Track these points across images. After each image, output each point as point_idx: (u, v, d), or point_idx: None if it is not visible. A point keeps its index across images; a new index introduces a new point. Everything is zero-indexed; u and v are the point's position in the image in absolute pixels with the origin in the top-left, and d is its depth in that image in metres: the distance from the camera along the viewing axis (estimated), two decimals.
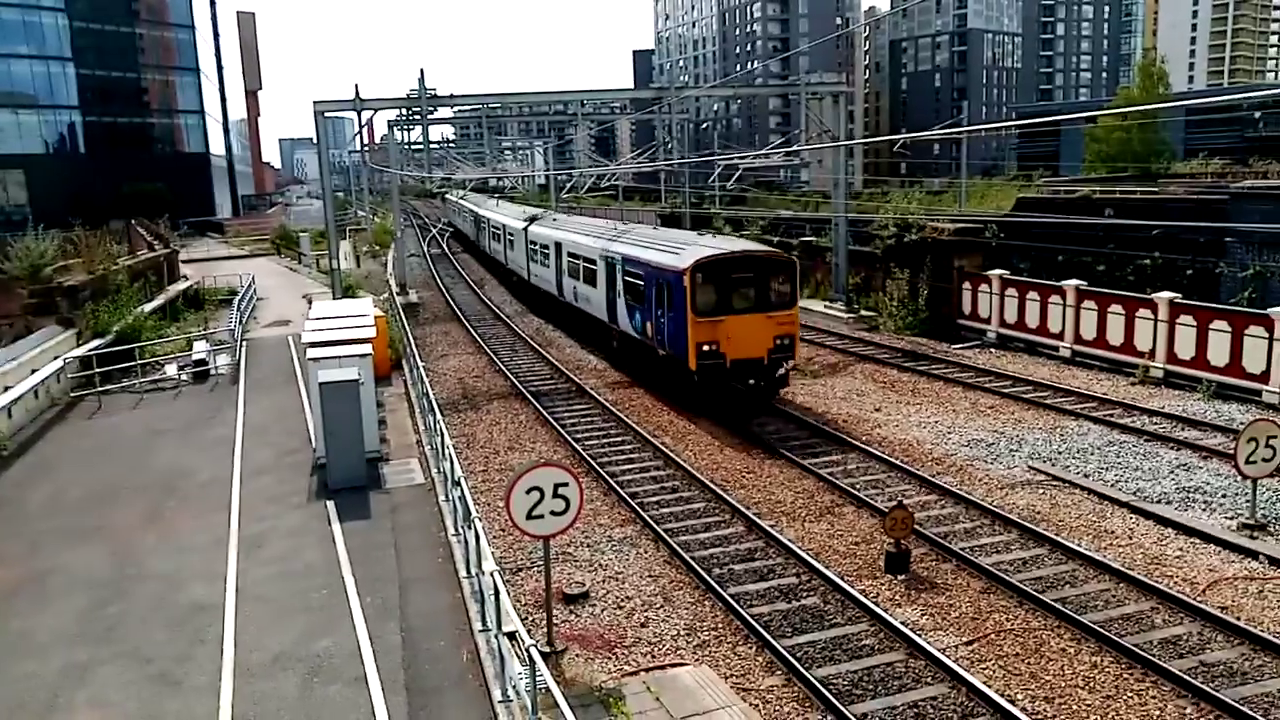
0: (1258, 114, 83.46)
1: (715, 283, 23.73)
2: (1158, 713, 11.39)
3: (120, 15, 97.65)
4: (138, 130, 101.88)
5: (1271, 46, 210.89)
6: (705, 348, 23.29)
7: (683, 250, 24.94)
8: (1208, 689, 11.56)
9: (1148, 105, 51.00)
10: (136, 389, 28.86)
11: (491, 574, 11.87)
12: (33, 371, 26.71)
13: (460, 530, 15.30)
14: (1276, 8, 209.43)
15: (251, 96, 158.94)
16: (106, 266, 37.37)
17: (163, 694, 11.67)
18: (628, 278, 27.55)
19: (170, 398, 28.01)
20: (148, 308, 37.03)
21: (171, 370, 30.63)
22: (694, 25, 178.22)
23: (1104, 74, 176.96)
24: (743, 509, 18.07)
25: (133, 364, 30.28)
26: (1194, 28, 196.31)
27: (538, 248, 39.93)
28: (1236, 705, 11.18)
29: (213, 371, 30.46)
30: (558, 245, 35.81)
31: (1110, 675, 12.20)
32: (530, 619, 13.90)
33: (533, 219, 43.69)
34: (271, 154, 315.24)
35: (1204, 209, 30.57)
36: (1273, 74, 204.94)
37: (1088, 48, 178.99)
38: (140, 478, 20.32)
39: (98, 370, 28.71)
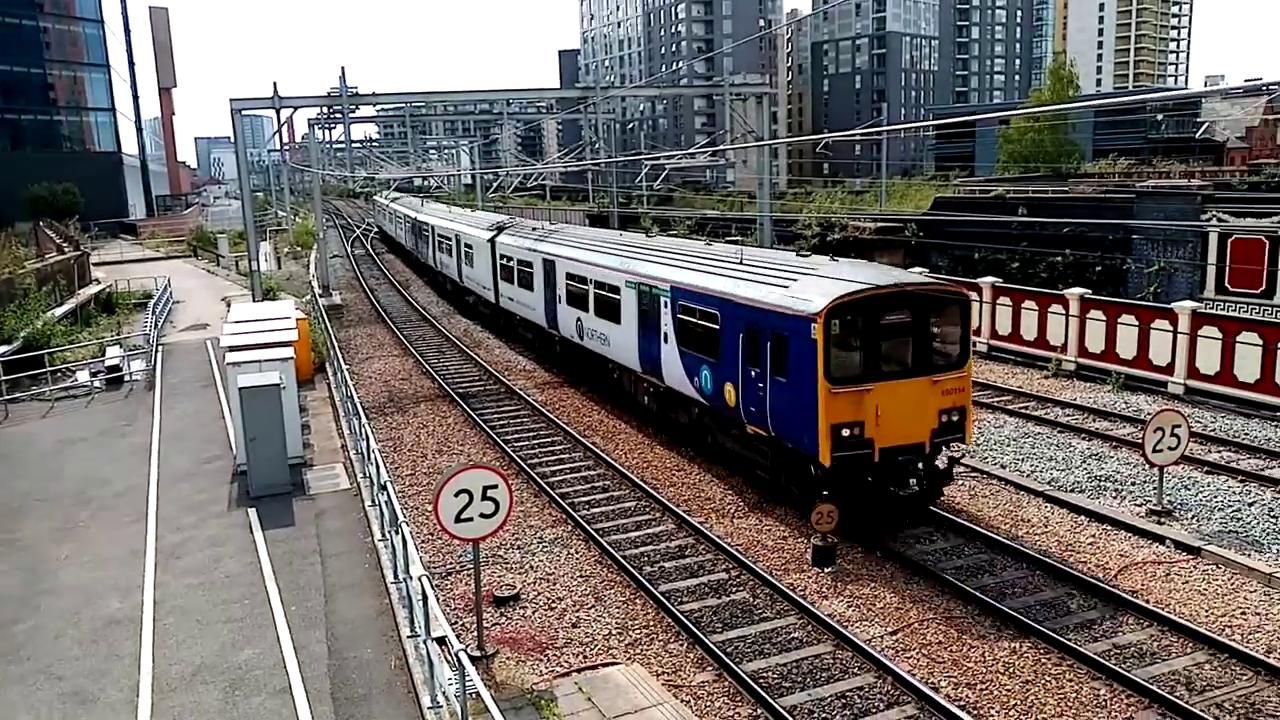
0: (1160, 116, 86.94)
1: (860, 333, 16.18)
2: (1074, 695, 11.79)
3: (23, 8, 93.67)
4: (44, 128, 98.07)
5: (1172, 52, 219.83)
6: (845, 432, 15.59)
7: (798, 281, 16.88)
8: (1120, 670, 12.01)
9: (1058, 106, 52.73)
10: (46, 397, 27.78)
11: (420, 579, 11.75)
12: None
13: (387, 535, 15.10)
14: (1175, 15, 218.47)
15: (165, 94, 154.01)
16: (12, 270, 35.98)
17: (77, 713, 11.29)
18: (685, 316, 19.91)
19: (83, 405, 27.04)
20: (57, 312, 35.74)
21: (84, 377, 29.57)
22: (619, 25, 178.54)
23: (1017, 77, 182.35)
24: (673, 506, 18.17)
25: (42, 371, 29.14)
26: (1100, 33, 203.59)
27: (514, 265, 32.23)
28: (1147, 685, 11.64)
29: (127, 378, 29.50)
30: (549, 264, 28.39)
31: (1029, 660, 12.59)
32: (460, 623, 13.78)
33: (500, 228, 35.83)
34: (187, 153, 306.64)
35: (1111, 208, 31.76)
36: (1174, 78, 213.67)
37: (1001, 51, 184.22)
38: (51, 488, 19.59)
39: (4, 378, 27.55)
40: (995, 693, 11.94)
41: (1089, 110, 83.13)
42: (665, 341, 20.83)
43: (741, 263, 19.33)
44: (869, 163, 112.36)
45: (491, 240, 34.93)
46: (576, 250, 26.85)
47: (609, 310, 23.76)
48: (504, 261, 33.42)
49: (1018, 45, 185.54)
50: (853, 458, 15.76)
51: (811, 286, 16.43)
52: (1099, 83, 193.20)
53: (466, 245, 39.57)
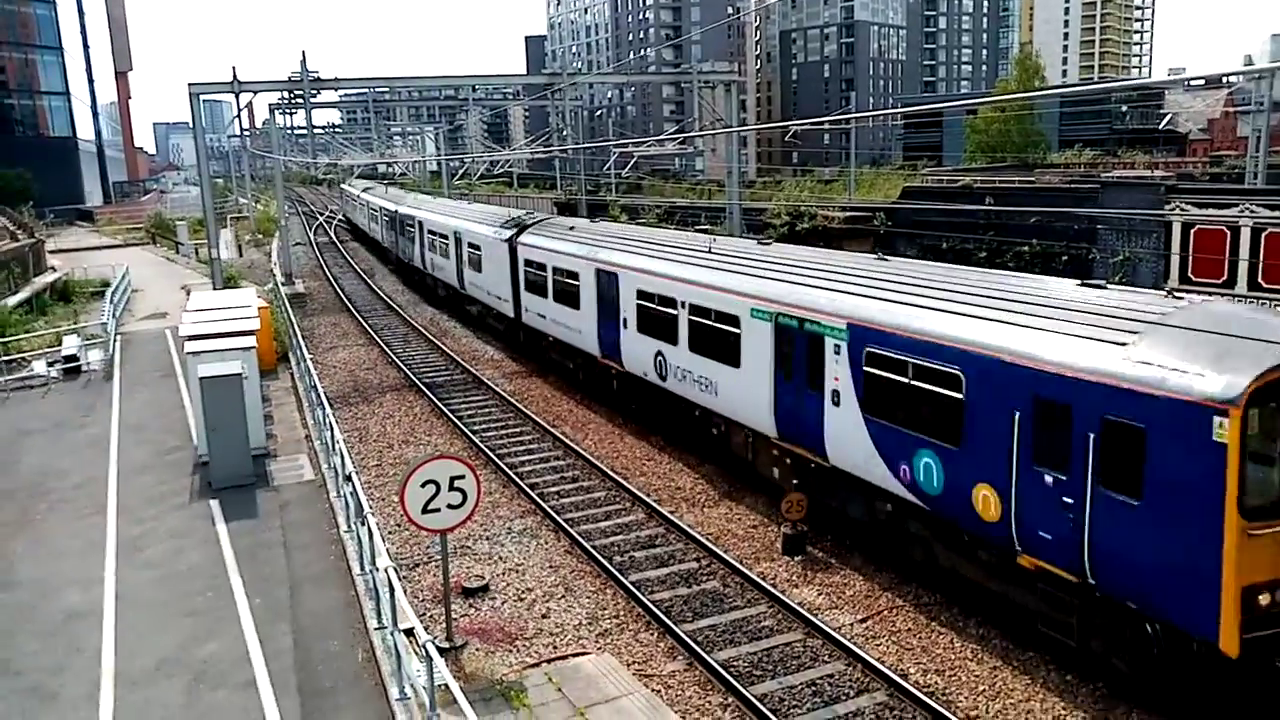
0: (1124, 108, 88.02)
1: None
2: (1042, 679, 11.89)
3: None
4: None
5: (1136, 44, 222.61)
6: (1264, 598, 9.74)
7: (1150, 334, 10.69)
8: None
9: (1024, 95, 53.23)
10: (1, 387, 27.15)
11: (386, 570, 11.59)
12: None
13: (353, 526, 14.91)
14: (1139, 8, 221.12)
15: (122, 78, 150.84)
16: None
17: (36, 708, 11.05)
18: (882, 372, 13.81)
19: (39, 396, 26.45)
20: (11, 301, 34.98)
21: (40, 367, 28.92)
22: (586, 11, 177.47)
23: (984, 67, 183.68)
24: (643, 496, 18.11)
25: None
26: (1066, 24, 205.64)
27: (547, 275, 26.09)
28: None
29: (85, 368, 28.88)
30: (607, 277, 22.36)
31: (997, 647, 12.67)
32: (429, 614, 13.64)
33: (521, 225, 29.69)
34: (145, 138, 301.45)
35: (1077, 198, 32.07)
36: (1138, 70, 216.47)
37: (968, 41, 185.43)
38: (6, 481, 19.14)
39: None
40: (964, 679, 12.01)
41: (1054, 100, 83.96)
42: (836, 404, 14.66)
43: (992, 294, 12.99)
44: (838, 152, 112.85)
45: (510, 241, 28.79)
46: (651, 260, 20.86)
47: (718, 347, 17.78)
48: (531, 269, 27.21)
49: (984, 36, 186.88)
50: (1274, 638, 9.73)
51: (1193, 347, 10.06)
52: (1064, 74, 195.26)
53: (472, 246, 33.16)
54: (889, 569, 14.87)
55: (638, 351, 21.23)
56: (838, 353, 14.57)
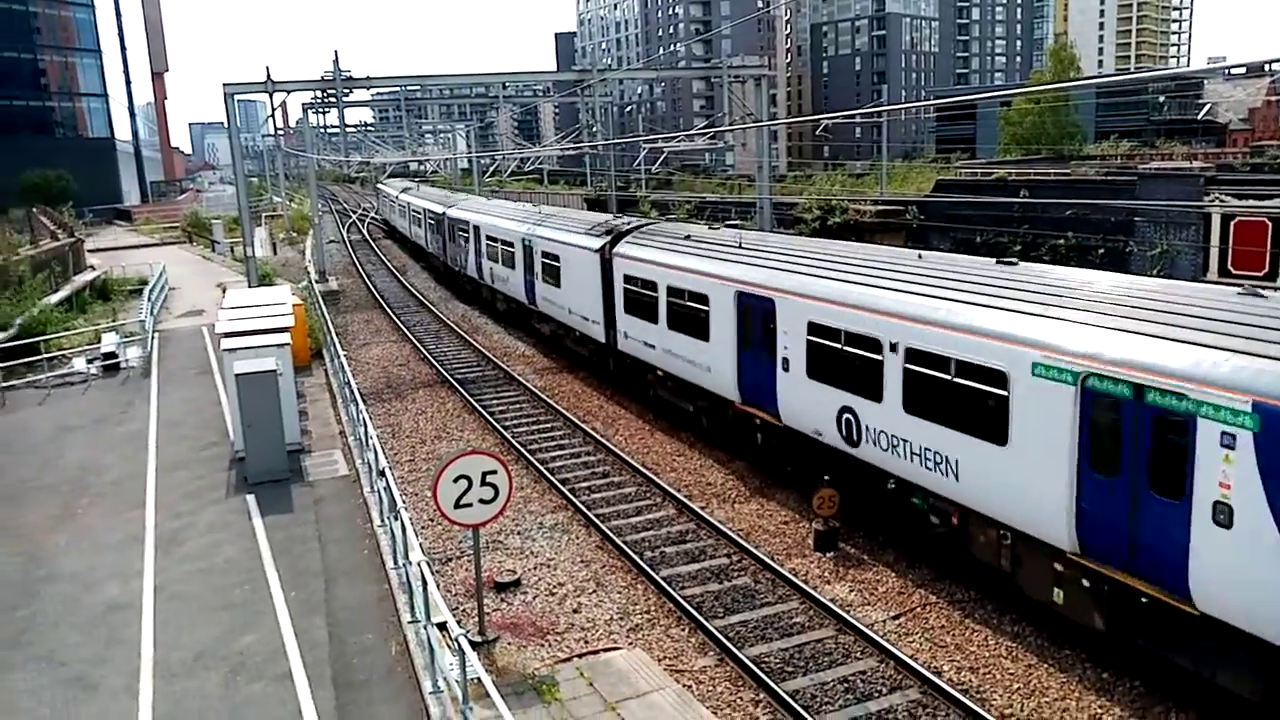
0: (1162, 98, 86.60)
1: None
2: (1078, 677, 11.75)
3: None
4: (36, 114, 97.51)
5: (1174, 34, 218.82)
6: None
7: None
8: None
9: (1060, 86, 52.50)
10: (43, 384, 27.66)
11: (419, 564, 11.68)
12: None
13: (386, 521, 15.04)
14: None
15: (158, 79, 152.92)
16: (7, 257, 35.78)
17: (78, 698, 11.24)
18: None
19: (79, 392, 26.92)
20: (53, 299, 35.56)
21: (80, 364, 29.43)
22: (616, 7, 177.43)
23: (1018, 59, 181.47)
24: (673, 492, 18.11)
25: (38, 358, 28.99)
26: (1102, 14, 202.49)
27: (658, 295, 21.58)
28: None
29: (123, 364, 29.35)
30: (759, 306, 17.72)
31: (1033, 644, 12.54)
32: (461, 608, 13.73)
33: (616, 234, 25.18)
34: (181, 138, 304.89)
35: (1114, 189, 31.61)
36: (1176, 60, 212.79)
37: (1002, 33, 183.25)
38: (49, 476, 19.50)
39: (0, 365, 27.42)
40: (998, 676, 11.90)
41: (1090, 91, 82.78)
42: (1228, 525, 9.79)
43: None
44: (869, 145, 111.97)
45: (603, 252, 24.76)
46: (830, 282, 16.07)
47: (964, 412, 12.99)
48: (633, 287, 23.08)
49: (1018, 27, 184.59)
50: None
51: None
52: (1100, 64, 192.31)
53: (548, 256, 29.23)
54: (922, 566, 14.76)
55: (806, 402, 16.47)
56: (1227, 446, 9.71)
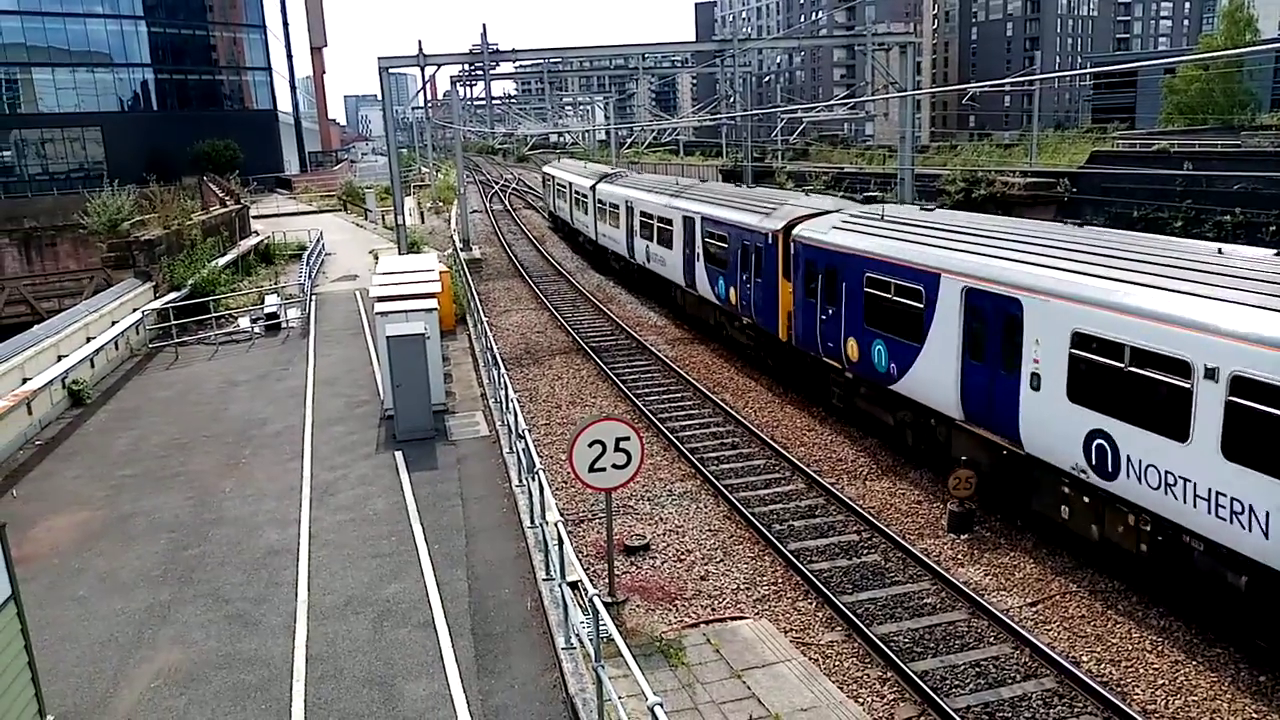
0: None
1: None
2: (1231, 678, 11.20)
3: None
4: (207, 87, 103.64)
5: None
6: None
7: None
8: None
9: (1234, 51, 48.88)
10: (211, 341, 29.70)
11: (555, 524, 12.06)
12: (113, 323, 27.64)
13: (524, 482, 15.55)
14: None
15: (317, 53, 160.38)
16: (181, 222, 38.31)
17: (241, 633, 12.14)
18: None
19: (244, 350, 28.77)
20: (221, 262, 37.94)
21: (245, 323, 31.44)
22: None
23: (1185, 22, 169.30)
24: (803, 466, 18.05)
25: (207, 317, 31.19)
26: None
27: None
28: None
29: (284, 324, 31.17)
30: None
31: (1181, 640, 12.01)
32: (592, 569, 14.12)
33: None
34: (337, 111, 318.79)
35: None
36: None
37: None
38: (216, 426, 20.99)
39: (174, 322, 29.59)
40: (1141, 671, 11.46)
41: (1268, 56, 76.68)
42: None
43: None
44: (1019, 115, 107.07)
45: (779, 235, 21.62)
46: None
47: None
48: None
49: None
50: None
51: None
52: None
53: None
54: (1063, 553, 14.28)
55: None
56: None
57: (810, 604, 13.27)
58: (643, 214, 33.27)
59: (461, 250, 44.53)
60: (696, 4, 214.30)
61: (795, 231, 21.13)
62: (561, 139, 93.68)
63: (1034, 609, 12.93)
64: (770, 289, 22.41)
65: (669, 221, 30.12)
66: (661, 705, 7.55)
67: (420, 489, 16.59)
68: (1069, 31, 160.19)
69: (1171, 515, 11.77)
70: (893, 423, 18.40)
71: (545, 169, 65.55)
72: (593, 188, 41.74)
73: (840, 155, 78.69)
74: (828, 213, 21.40)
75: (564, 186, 51.72)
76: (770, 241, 22.21)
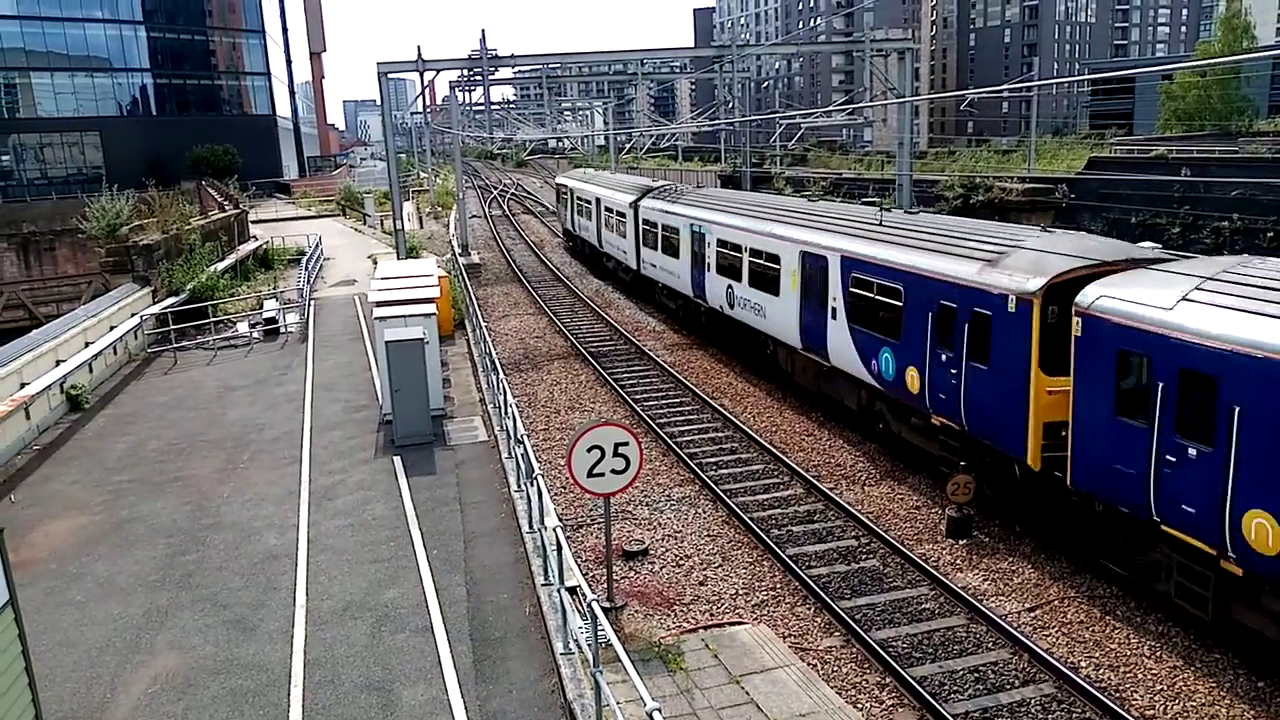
0: None
1: None
2: (1229, 684, 11.20)
3: None
4: (206, 92, 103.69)
5: None
6: None
7: None
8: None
9: (1231, 59, 48.98)
10: (210, 345, 29.68)
11: (554, 529, 12.06)
12: (112, 328, 27.62)
13: (523, 487, 15.55)
14: None
15: (315, 58, 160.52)
16: (179, 226, 38.28)
17: (239, 638, 12.11)
18: None
19: (242, 354, 28.75)
20: (220, 267, 37.92)
21: (243, 328, 31.43)
22: None
23: (1183, 29, 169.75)
24: (801, 471, 18.05)
25: (206, 321, 31.17)
26: None
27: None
28: None
29: (283, 329, 31.16)
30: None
31: (1179, 645, 12.01)
32: (591, 575, 14.10)
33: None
34: (336, 116, 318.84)
35: None
36: None
37: (1166, 1, 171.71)
38: (215, 431, 20.97)
39: (173, 327, 29.57)
40: (1140, 676, 11.46)
41: (1265, 63, 76.91)
42: None
43: None
44: (1017, 120, 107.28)
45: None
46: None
47: None
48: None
49: None
50: None
51: None
52: (1279, 32, 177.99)
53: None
54: (1060, 558, 14.29)
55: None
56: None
57: (809, 609, 13.27)
58: (723, 244, 25.88)
59: (460, 255, 44.54)
60: (695, 9, 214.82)
61: (1090, 301, 12.82)
62: (560, 144, 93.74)
63: (1033, 614, 12.93)
64: (1009, 383, 14.42)
65: (772, 258, 22.71)
66: (660, 711, 7.55)
67: (419, 494, 16.58)
68: (1067, 37, 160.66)
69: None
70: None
71: (560, 179, 56.48)
72: (634, 206, 34.67)
73: (839, 161, 78.78)
74: (1133, 265, 13.68)
75: (587, 202, 43.88)
76: (1015, 309, 14.30)
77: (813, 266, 20.70)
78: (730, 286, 25.50)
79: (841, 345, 19.56)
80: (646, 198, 34.15)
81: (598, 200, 41.44)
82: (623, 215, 36.46)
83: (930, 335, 16.38)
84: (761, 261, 23.35)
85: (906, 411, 17.74)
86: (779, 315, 22.52)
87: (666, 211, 31.17)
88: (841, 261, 19.49)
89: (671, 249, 30.35)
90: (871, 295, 18.35)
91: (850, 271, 19.16)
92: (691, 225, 28.38)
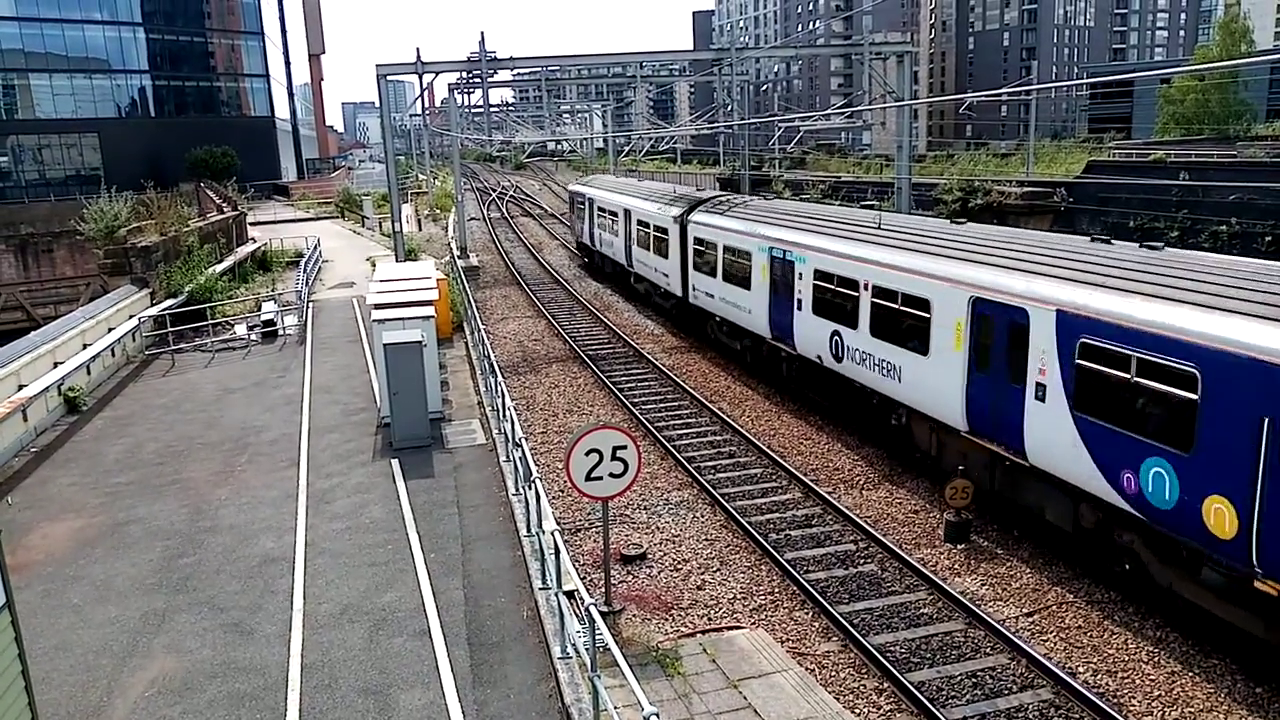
0: None
1: None
2: (1227, 689, 11.20)
3: None
4: (205, 94, 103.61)
5: None
6: None
7: None
8: None
9: (1229, 63, 49.10)
10: (208, 348, 29.65)
11: (552, 533, 12.04)
12: (110, 330, 27.60)
13: (521, 490, 15.54)
14: None
15: (314, 60, 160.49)
16: (178, 228, 38.26)
17: (236, 642, 12.09)
18: None
19: (240, 357, 28.73)
20: (218, 269, 37.90)
21: (241, 330, 31.41)
22: None
23: (1181, 33, 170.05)
24: (800, 475, 18.04)
25: (204, 324, 31.17)
26: None
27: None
28: None
29: (281, 332, 31.13)
30: None
31: (1177, 651, 12.00)
32: (589, 578, 14.08)
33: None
34: (334, 117, 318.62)
35: None
36: None
37: (1164, 5, 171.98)
38: (213, 434, 20.94)
39: (171, 329, 29.56)
40: (1138, 681, 11.46)
41: (1263, 67, 77.05)
42: None
43: None
44: (1015, 124, 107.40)
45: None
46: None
47: None
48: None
49: (1184, 0, 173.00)
50: None
51: None
52: (1278, 36, 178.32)
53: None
54: (1059, 563, 14.29)
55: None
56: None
57: (807, 614, 13.25)
58: (825, 276, 20.09)
59: (459, 258, 44.53)
60: (694, 12, 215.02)
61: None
62: (560, 147, 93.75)
63: (1031, 619, 12.92)
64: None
65: (916, 303, 16.89)
66: (657, 715, 7.54)
67: (416, 497, 16.56)
68: (1066, 41, 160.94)
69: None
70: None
71: (575, 187, 48.83)
72: (680, 221, 28.95)
73: (837, 164, 78.87)
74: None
75: (613, 215, 37.90)
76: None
77: (996, 320, 14.66)
78: (837, 333, 19.66)
79: (1054, 438, 13.38)
80: (697, 211, 28.32)
81: (627, 212, 35.75)
82: (663, 231, 30.73)
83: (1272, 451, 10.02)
84: (895, 305, 17.48)
85: (1192, 560, 11.71)
86: (926, 380, 16.66)
87: (729, 230, 25.46)
88: (1058, 320, 13.06)
89: (738, 277, 24.72)
90: (1127, 375, 11.90)
91: (1079, 335, 12.60)
92: (771, 249, 22.59)
